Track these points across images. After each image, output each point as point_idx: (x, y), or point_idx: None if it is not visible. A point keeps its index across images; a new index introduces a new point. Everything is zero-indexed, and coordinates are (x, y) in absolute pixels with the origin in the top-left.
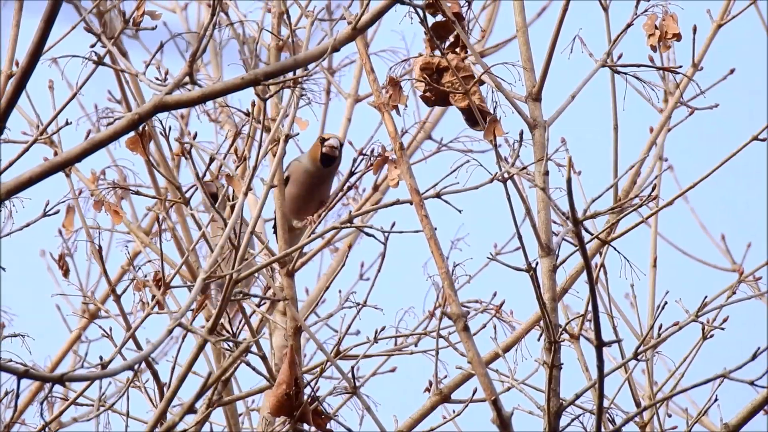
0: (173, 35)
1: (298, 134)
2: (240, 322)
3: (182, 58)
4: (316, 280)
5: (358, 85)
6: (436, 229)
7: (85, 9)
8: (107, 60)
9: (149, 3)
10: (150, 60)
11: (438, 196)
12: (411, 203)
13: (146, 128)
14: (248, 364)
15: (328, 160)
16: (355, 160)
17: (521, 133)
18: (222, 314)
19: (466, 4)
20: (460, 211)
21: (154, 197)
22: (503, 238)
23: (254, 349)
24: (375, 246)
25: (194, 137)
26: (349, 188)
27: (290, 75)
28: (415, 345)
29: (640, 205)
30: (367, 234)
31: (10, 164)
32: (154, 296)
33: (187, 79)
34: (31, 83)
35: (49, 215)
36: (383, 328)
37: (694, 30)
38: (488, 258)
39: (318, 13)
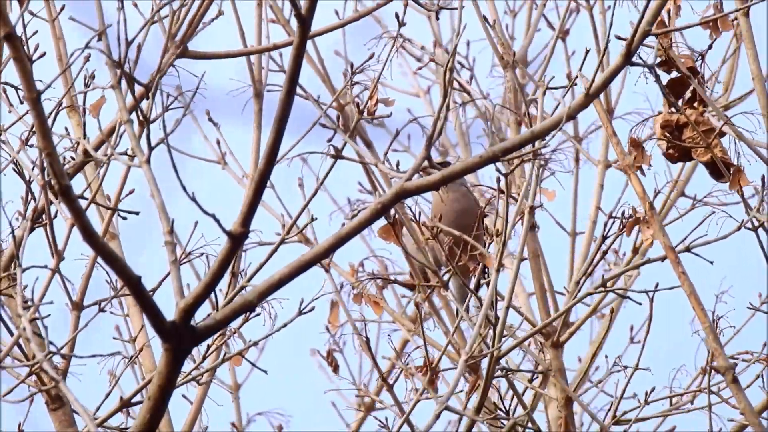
0: (409, 120)
1: (541, 205)
2: (512, 399)
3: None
4: (586, 347)
5: (606, 151)
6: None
7: (324, 104)
8: (348, 152)
9: (391, 91)
10: (388, 148)
11: (688, 249)
12: (663, 261)
13: (397, 216)
14: None
15: None
16: (606, 224)
17: (763, 178)
18: (487, 393)
19: (700, 57)
20: (711, 263)
21: (412, 284)
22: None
23: (530, 424)
24: (643, 308)
25: (440, 218)
26: (605, 252)
27: (529, 148)
28: (691, 402)
29: None
30: (623, 296)
31: (261, 266)
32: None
33: (426, 163)
34: (280, 183)
35: (305, 313)
36: (653, 390)
37: None
38: (749, 308)
39: (549, 81)
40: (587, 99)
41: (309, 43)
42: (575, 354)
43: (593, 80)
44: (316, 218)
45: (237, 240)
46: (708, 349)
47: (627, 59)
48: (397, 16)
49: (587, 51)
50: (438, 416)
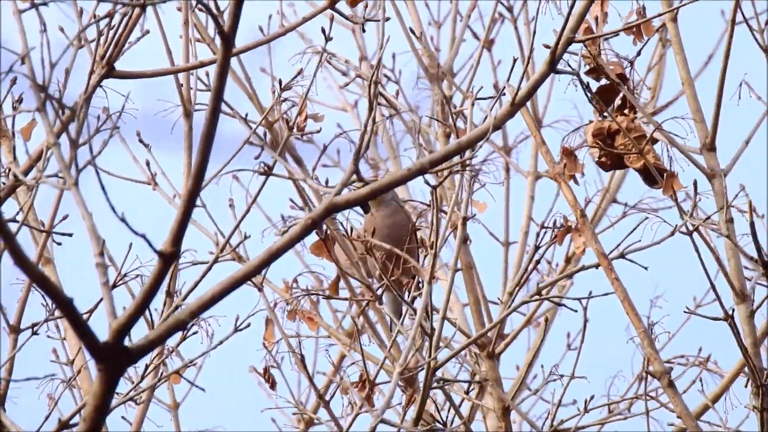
0: (337, 134)
1: (473, 216)
2: (449, 410)
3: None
4: (523, 356)
5: (536, 162)
6: (625, 289)
7: (252, 122)
8: (278, 169)
9: (318, 106)
10: (316, 163)
11: (622, 256)
12: (597, 267)
13: (329, 231)
14: None
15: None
16: (538, 234)
17: (695, 183)
18: (425, 405)
19: (629, 64)
20: (645, 269)
21: (345, 299)
22: (700, 291)
23: None
24: (579, 315)
25: (373, 233)
26: (537, 262)
27: (457, 159)
28: (628, 410)
29: None
30: (558, 304)
31: (195, 285)
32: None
33: (354, 177)
34: (212, 202)
35: (240, 330)
36: (592, 397)
37: None
38: (685, 312)
39: (477, 92)
40: (513, 108)
41: (236, 60)
42: (512, 363)
43: (518, 89)
44: (249, 236)
45: (168, 259)
46: (644, 354)
47: (551, 67)
48: (323, 30)
49: (515, 60)
50: (374, 430)
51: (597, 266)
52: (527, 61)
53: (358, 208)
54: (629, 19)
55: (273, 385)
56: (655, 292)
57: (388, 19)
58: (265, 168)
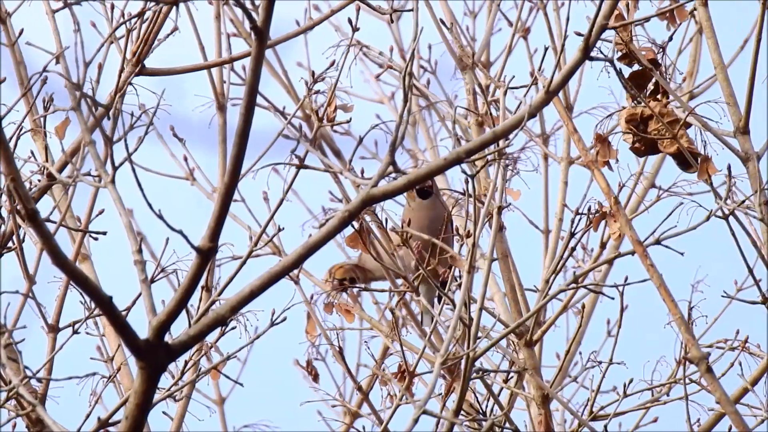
0: (372, 126)
1: (509, 205)
2: (488, 400)
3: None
4: (565, 344)
5: (569, 147)
6: (661, 275)
7: (288, 114)
8: (315, 161)
9: (356, 99)
10: (352, 155)
11: (658, 242)
12: (633, 254)
13: (363, 224)
14: None
15: (421, 192)
16: (573, 221)
17: (729, 167)
18: (464, 395)
19: (661, 49)
20: (682, 254)
21: (382, 290)
22: (741, 274)
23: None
24: (618, 302)
25: (408, 223)
26: (573, 249)
27: (492, 148)
28: (667, 394)
29: None
30: (595, 291)
31: (231, 280)
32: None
33: (391, 168)
34: (252, 196)
35: (277, 324)
36: (630, 381)
37: None
38: (723, 296)
39: (509, 82)
40: (548, 96)
41: (272, 53)
42: (554, 351)
43: (552, 77)
44: (283, 228)
45: (206, 255)
46: (682, 340)
47: (585, 54)
48: (350, 21)
49: (546, 48)
50: (416, 421)
51: (632, 253)
52: (560, 48)
53: (401, 198)
54: (662, 5)
55: (315, 378)
56: (695, 277)
57: (411, 10)
58: (299, 160)
